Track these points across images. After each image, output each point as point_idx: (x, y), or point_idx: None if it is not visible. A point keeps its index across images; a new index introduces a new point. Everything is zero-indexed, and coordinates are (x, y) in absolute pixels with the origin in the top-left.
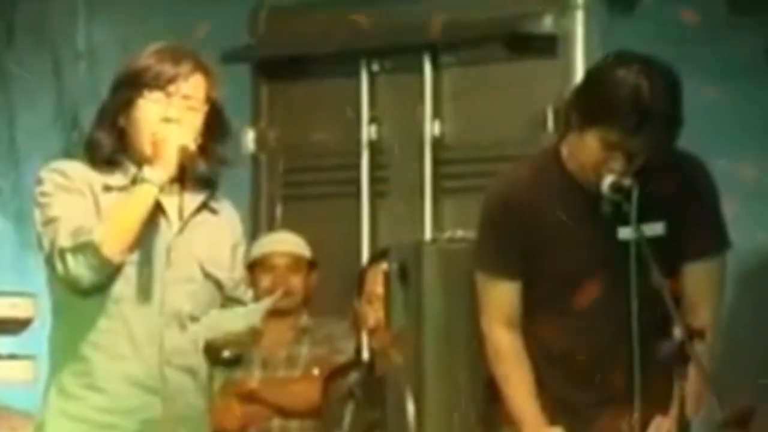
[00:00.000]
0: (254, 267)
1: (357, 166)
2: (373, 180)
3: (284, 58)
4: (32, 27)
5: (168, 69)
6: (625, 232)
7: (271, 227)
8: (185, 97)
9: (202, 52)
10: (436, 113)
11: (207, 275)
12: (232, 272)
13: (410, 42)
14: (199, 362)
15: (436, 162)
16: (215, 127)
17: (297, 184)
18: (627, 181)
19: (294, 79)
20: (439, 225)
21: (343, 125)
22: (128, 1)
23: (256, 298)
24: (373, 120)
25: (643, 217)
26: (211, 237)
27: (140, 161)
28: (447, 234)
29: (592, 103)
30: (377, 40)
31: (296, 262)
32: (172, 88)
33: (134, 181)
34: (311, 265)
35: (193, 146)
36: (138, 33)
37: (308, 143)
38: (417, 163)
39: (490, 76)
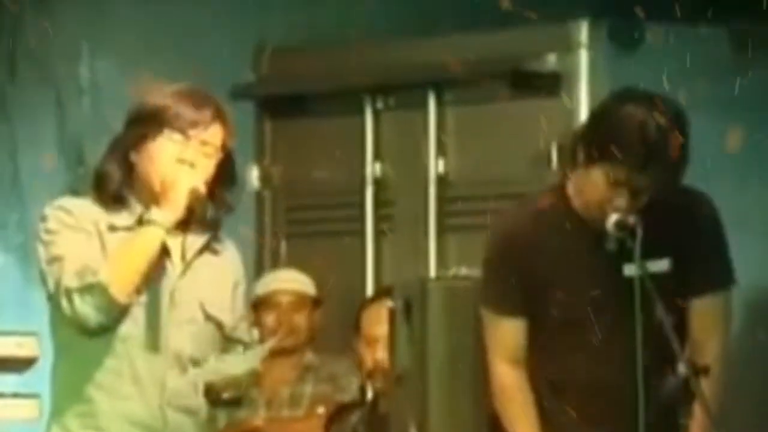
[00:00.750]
0: (258, 305)
1: (361, 204)
2: (378, 217)
3: (288, 96)
4: (35, 62)
5: (189, 113)
6: (630, 269)
7: (275, 264)
8: (203, 143)
9: (209, 89)
10: (441, 151)
11: (208, 317)
12: (232, 312)
13: (414, 80)
14: (199, 403)
15: (441, 199)
16: (225, 173)
17: (301, 222)
18: (632, 219)
19: (298, 117)
20: (443, 262)
21: (347, 162)
22: (131, 37)
23: (261, 336)
24: (377, 157)
25: (649, 253)
26: (213, 278)
27: (147, 199)
28: (451, 271)
29: (598, 140)
30: (381, 77)
31: (300, 300)
32: (191, 132)
33: (140, 221)
34: (315, 302)
35: (203, 190)
36: (142, 69)
37: (313, 180)
38: (421, 201)
39: (494, 113)
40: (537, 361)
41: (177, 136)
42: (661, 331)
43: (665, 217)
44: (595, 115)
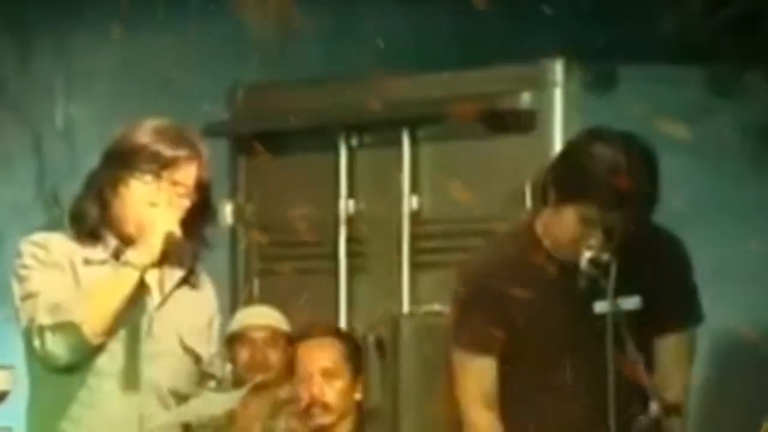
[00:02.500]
0: (232, 340)
1: (334, 241)
2: (351, 254)
3: (262, 133)
4: (13, 105)
5: (165, 151)
6: (601, 306)
7: (248, 301)
8: (177, 183)
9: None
10: (414, 188)
11: (186, 349)
12: (208, 346)
13: (388, 117)
14: None
15: (414, 237)
16: (202, 211)
17: (275, 258)
18: (605, 256)
19: (272, 154)
20: (416, 299)
21: (321, 199)
22: (105, 78)
23: (235, 371)
24: (350, 194)
25: (618, 290)
26: (191, 311)
27: (122, 236)
28: (424, 308)
29: (569, 180)
30: (355, 115)
31: (273, 336)
32: (164, 173)
33: (115, 255)
34: (289, 339)
35: (178, 232)
36: (117, 109)
37: (286, 217)
38: (395, 238)
39: (468, 151)
40: (510, 399)
41: (148, 178)
42: (631, 368)
43: (634, 255)
44: (566, 155)
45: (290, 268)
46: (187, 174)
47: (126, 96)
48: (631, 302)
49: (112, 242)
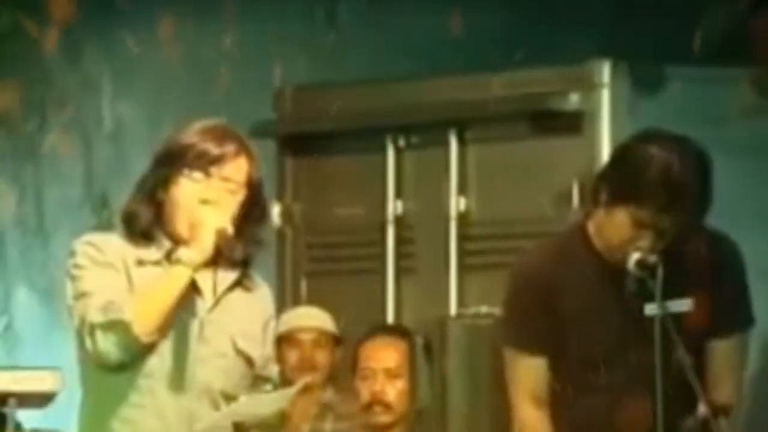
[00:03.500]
0: (280, 342)
1: (382, 242)
2: (398, 255)
3: (310, 134)
4: (63, 108)
5: (212, 149)
6: (650, 308)
7: (296, 302)
8: (226, 179)
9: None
10: (462, 189)
11: (239, 351)
12: (262, 349)
13: (436, 118)
14: None
15: (462, 238)
16: (254, 209)
17: (322, 259)
18: (652, 258)
19: (320, 155)
20: (463, 301)
21: (368, 200)
22: (152, 79)
23: (283, 373)
24: (398, 195)
25: (669, 293)
26: (244, 313)
27: (175, 237)
28: (472, 310)
29: (622, 181)
30: (403, 116)
31: (322, 338)
32: (213, 169)
33: (168, 256)
34: (337, 340)
35: (230, 229)
36: (163, 110)
37: (334, 218)
38: (442, 239)
39: (515, 152)
40: (559, 400)
41: (198, 176)
42: (680, 371)
43: (686, 258)
44: (619, 156)
45: (337, 270)
46: (237, 169)
47: (173, 97)
48: (681, 304)
49: (165, 243)
